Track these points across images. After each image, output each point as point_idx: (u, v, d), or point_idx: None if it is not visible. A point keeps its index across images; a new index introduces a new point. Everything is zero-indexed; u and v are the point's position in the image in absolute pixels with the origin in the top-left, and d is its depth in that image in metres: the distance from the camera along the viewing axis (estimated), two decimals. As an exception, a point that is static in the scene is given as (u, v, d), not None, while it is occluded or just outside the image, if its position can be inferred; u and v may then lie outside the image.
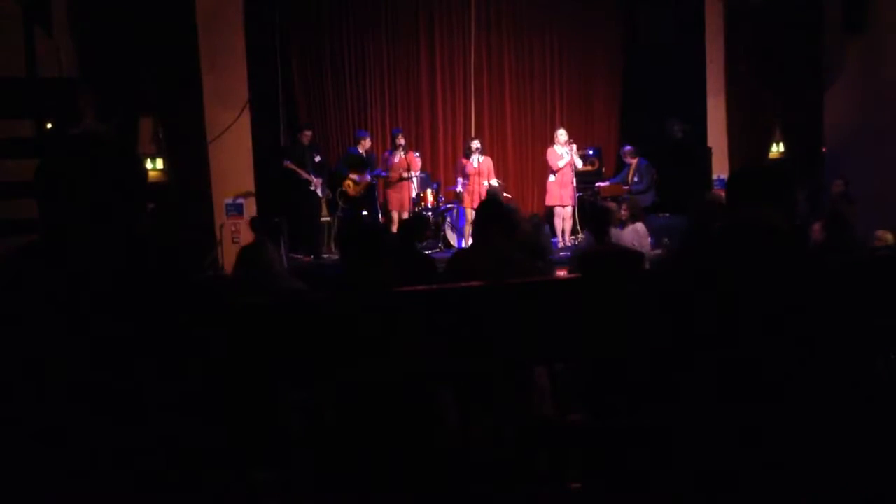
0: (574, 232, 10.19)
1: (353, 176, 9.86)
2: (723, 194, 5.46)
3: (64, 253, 1.47)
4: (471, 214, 8.90)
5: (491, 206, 4.65)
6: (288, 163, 9.38)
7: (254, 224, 6.98)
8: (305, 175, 9.42)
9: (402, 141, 9.83)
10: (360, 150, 10.00)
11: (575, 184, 10.06)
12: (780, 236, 2.31)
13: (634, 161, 10.34)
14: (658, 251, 7.10)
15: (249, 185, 9.02)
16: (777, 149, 10.00)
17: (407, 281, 3.66)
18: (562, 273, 6.36)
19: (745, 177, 2.53)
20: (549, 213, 10.30)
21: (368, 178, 9.89)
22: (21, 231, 5.40)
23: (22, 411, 1.39)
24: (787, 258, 2.29)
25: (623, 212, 7.19)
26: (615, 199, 9.92)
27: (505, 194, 9.00)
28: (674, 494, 2.31)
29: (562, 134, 10.08)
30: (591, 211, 5.55)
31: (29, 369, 1.39)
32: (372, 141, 10.38)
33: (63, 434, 1.39)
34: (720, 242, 2.44)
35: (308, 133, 9.71)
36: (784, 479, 2.15)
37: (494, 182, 9.89)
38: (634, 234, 7.04)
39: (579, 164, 10.18)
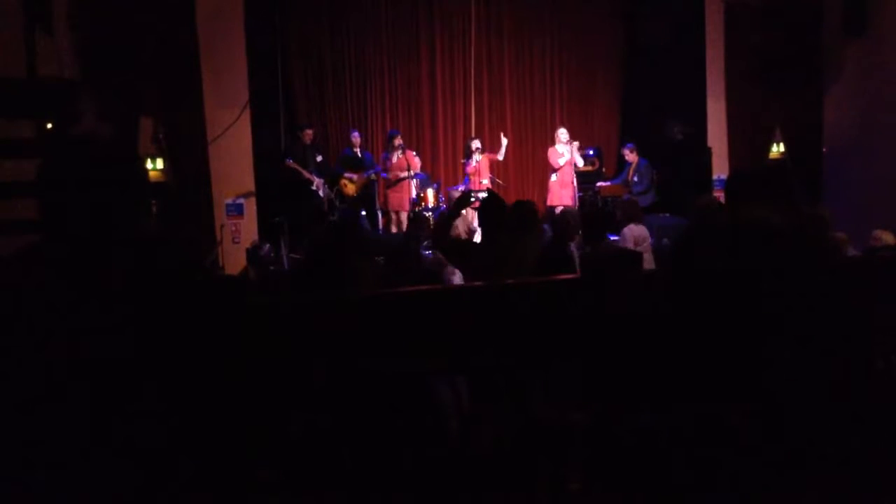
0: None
1: (349, 175, 9.88)
2: (719, 196, 5.43)
3: (65, 253, 1.47)
4: (471, 215, 8.89)
5: (490, 207, 4.65)
6: (290, 161, 9.39)
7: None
8: (307, 175, 9.42)
9: (399, 141, 9.84)
10: (353, 149, 10.03)
11: (576, 184, 10.06)
12: (780, 237, 2.31)
13: (635, 159, 10.34)
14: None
15: (250, 186, 9.03)
16: (777, 149, 10.01)
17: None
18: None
19: (744, 177, 2.53)
20: (552, 212, 10.31)
21: (367, 175, 9.90)
22: (21, 231, 5.41)
23: (23, 409, 1.40)
24: (786, 259, 2.29)
25: (618, 214, 7.15)
26: (616, 199, 9.96)
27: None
28: (674, 495, 2.31)
29: (563, 133, 10.09)
30: (585, 216, 5.49)
31: (30, 369, 1.40)
32: (369, 142, 10.41)
33: (64, 432, 1.39)
34: (720, 243, 2.44)
35: (309, 132, 9.72)
36: (784, 478, 2.15)
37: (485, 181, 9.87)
38: (632, 236, 7.00)
39: (580, 162, 10.18)
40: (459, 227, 7.35)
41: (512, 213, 4.99)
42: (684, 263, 2.48)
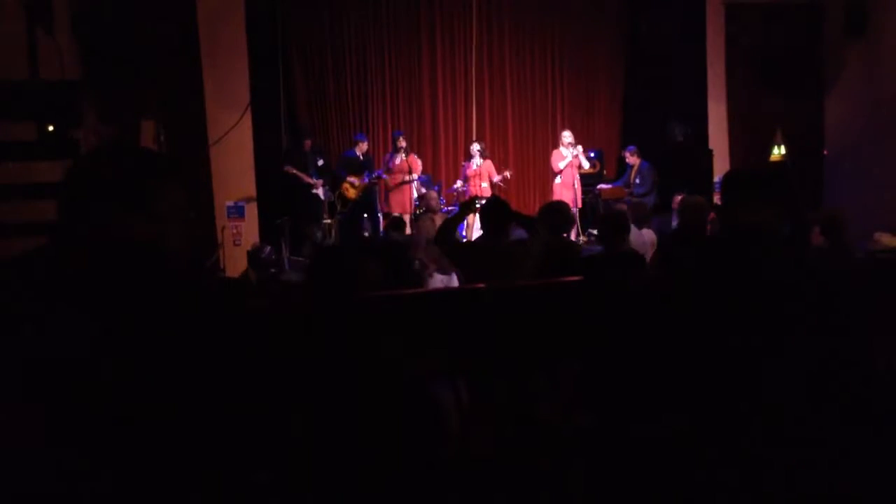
0: (579, 233, 10.19)
1: (351, 179, 9.87)
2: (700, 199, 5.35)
3: (74, 257, 1.47)
4: (471, 217, 8.91)
5: (493, 212, 4.65)
6: (289, 167, 9.39)
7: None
8: (307, 179, 9.43)
9: (403, 143, 9.84)
10: (357, 153, 10.01)
11: (577, 186, 10.06)
12: (779, 240, 2.31)
13: (636, 162, 10.35)
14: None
15: (251, 187, 9.02)
16: (778, 152, 10.01)
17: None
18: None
19: (740, 179, 2.52)
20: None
21: (366, 180, 9.90)
22: (22, 233, 5.41)
23: (27, 412, 1.40)
24: (786, 262, 2.29)
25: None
26: (617, 201, 9.96)
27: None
28: (676, 499, 2.31)
29: (567, 136, 10.08)
30: (603, 216, 5.48)
31: (36, 370, 1.40)
32: (371, 143, 10.39)
33: (65, 434, 1.39)
34: (718, 247, 2.44)
35: (308, 142, 9.73)
36: (788, 483, 2.15)
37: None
38: (640, 240, 6.90)
39: (586, 164, 10.20)
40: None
41: (545, 216, 5.07)
42: (675, 266, 2.48)
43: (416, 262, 5.80)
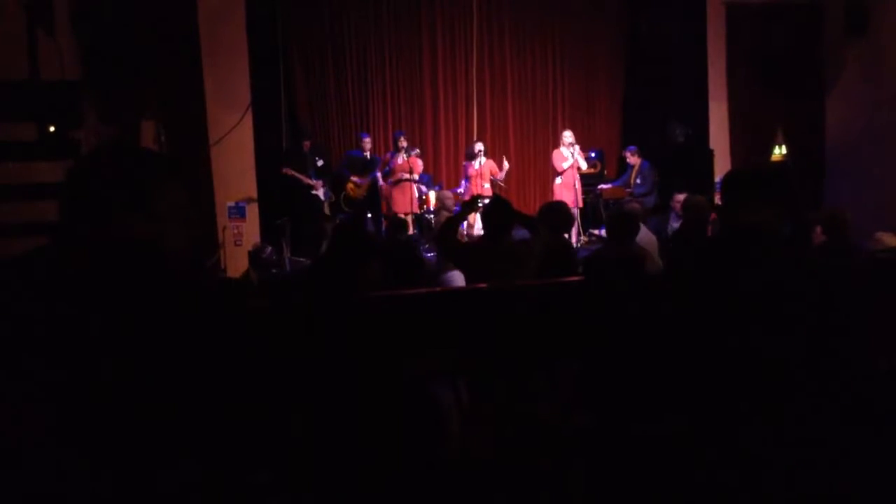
0: (580, 233, 10.19)
1: (355, 178, 9.86)
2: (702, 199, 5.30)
3: (74, 257, 1.47)
4: (472, 217, 8.91)
5: (495, 212, 4.65)
6: (287, 169, 9.37)
7: None
8: (307, 180, 9.42)
9: (404, 143, 9.83)
10: (363, 152, 10.01)
11: (578, 186, 10.05)
12: (780, 240, 2.31)
13: (637, 162, 10.35)
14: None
15: (252, 187, 9.01)
16: (779, 151, 10.01)
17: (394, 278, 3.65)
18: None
19: (740, 179, 2.51)
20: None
21: (370, 178, 9.90)
22: (22, 233, 5.41)
23: (28, 412, 1.40)
24: (786, 262, 2.29)
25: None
26: (617, 201, 9.96)
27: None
28: (676, 498, 2.31)
29: (567, 136, 10.07)
30: (612, 216, 5.45)
31: (36, 371, 1.40)
32: (371, 143, 10.39)
33: (65, 434, 1.39)
34: (718, 247, 2.44)
35: (307, 143, 9.73)
36: (788, 483, 2.15)
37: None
38: (647, 240, 6.82)
39: (584, 165, 10.19)
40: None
41: (545, 215, 5.07)
42: (675, 265, 2.47)
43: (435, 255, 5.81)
